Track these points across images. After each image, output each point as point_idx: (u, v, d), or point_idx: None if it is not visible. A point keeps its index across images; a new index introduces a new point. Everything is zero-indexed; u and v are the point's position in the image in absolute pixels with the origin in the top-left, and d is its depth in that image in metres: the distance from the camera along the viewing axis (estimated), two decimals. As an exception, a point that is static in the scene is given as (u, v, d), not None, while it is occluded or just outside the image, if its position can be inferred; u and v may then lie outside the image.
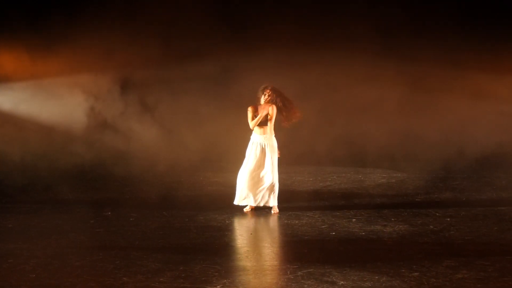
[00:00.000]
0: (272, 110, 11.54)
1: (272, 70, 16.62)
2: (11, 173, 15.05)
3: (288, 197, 12.80)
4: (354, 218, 11.37)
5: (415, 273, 8.54)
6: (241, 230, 10.85)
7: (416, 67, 17.48)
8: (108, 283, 8.24)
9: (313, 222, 11.13)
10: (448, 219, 11.27)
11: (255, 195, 11.64)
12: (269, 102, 11.55)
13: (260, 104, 11.58)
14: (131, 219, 11.36)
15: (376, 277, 8.40)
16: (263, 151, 11.60)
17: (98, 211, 11.94)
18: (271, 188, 11.64)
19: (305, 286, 8.12)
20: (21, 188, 13.77)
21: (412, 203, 12.52)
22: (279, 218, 11.47)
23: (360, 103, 17.47)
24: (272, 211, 11.75)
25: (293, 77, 16.76)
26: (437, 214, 11.66)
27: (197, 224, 11.05)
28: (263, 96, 11.54)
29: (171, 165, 15.86)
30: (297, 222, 11.18)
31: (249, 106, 11.58)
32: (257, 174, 11.62)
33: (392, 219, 11.28)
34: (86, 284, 8.18)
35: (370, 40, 16.94)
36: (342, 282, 8.25)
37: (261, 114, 11.48)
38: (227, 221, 11.22)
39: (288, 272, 8.62)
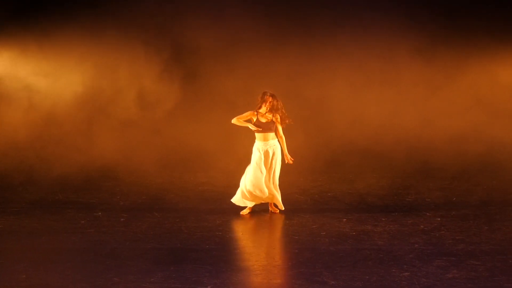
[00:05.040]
0: (276, 119, 11.56)
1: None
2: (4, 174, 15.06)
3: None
4: (345, 218, 11.38)
5: (406, 273, 8.57)
6: (232, 230, 10.86)
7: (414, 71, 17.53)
8: (99, 283, 8.24)
9: (303, 222, 11.14)
10: (439, 219, 11.29)
11: (257, 200, 11.69)
12: (272, 109, 11.53)
13: (260, 112, 11.53)
14: (122, 219, 11.35)
15: (367, 277, 8.42)
16: (267, 157, 11.60)
17: (89, 211, 11.92)
18: (273, 192, 11.68)
19: (296, 286, 8.13)
20: (13, 189, 13.75)
21: (403, 203, 12.53)
22: (270, 218, 11.48)
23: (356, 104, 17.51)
24: (273, 210, 11.81)
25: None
26: (428, 214, 11.68)
27: (188, 224, 11.05)
28: (263, 103, 11.50)
29: (162, 165, 15.86)
30: (287, 222, 11.19)
31: (251, 109, 11.57)
32: (263, 181, 11.63)
33: (383, 219, 11.29)
34: (77, 285, 8.18)
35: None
36: (333, 282, 8.27)
37: (258, 123, 11.54)
38: (217, 222, 11.22)
39: (279, 272, 8.63)
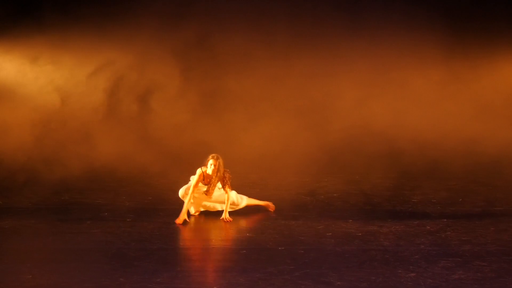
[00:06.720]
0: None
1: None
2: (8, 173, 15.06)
3: (284, 197, 12.81)
4: (351, 219, 11.37)
5: (412, 274, 8.55)
6: (238, 230, 10.85)
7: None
8: (105, 284, 8.24)
9: (309, 223, 11.13)
10: (445, 220, 11.27)
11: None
12: (215, 173, 11.45)
13: (207, 173, 11.46)
14: (128, 220, 11.35)
15: (373, 278, 8.41)
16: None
17: (95, 212, 11.93)
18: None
19: (302, 286, 8.12)
20: (18, 189, 13.75)
21: (409, 204, 12.52)
22: (276, 218, 11.46)
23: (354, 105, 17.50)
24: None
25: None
26: (434, 214, 11.67)
27: (194, 225, 11.04)
28: (209, 165, 11.38)
29: (168, 165, 15.86)
30: (293, 222, 11.18)
31: (202, 171, 11.42)
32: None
33: (389, 220, 11.28)
34: (83, 285, 8.18)
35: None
36: (338, 282, 8.26)
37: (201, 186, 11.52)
38: (223, 222, 11.21)
39: (285, 273, 8.63)
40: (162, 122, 17.21)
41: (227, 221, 11.29)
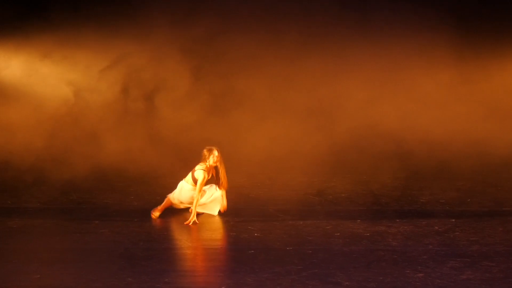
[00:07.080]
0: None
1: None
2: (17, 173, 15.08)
3: (292, 197, 12.81)
4: (359, 219, 11.36)
5: (420, 274, 8.54)
6: (246, 231, 10.84)
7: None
8: (113, 283, 8.24)
9: (317, 223, 11.12)
10: (453, 220, 11.25)
11: None
12: (219, 162, 11.49)
13: (207, 165, 11.49)
14: (136, 219, 11.35)
15: (381, 278, 8.40)
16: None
17: (103, 211, 11.94)
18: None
19: (310, 286, 8.12)
20: (26, 189, 13.77)
21: (417, 204, 12.50)
22: (284, 218, 11.45)
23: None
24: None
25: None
26: (442, 215, 11.64)
27: (201, 224, 11.04)
28: (211, 157, 11.44)
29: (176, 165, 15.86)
30: (301, 222, 11.17)
31: (204, 169, 11.45)
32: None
33: (397, 220, 11.26)
34: (91, 285, 8.19)
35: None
36: (347, 283, 8.25)
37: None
38: (231, 222, 11.22)
39: (293, 273, 8.62)
40: (170, 122, 17.22)
41: (224, 211, 11.57)
